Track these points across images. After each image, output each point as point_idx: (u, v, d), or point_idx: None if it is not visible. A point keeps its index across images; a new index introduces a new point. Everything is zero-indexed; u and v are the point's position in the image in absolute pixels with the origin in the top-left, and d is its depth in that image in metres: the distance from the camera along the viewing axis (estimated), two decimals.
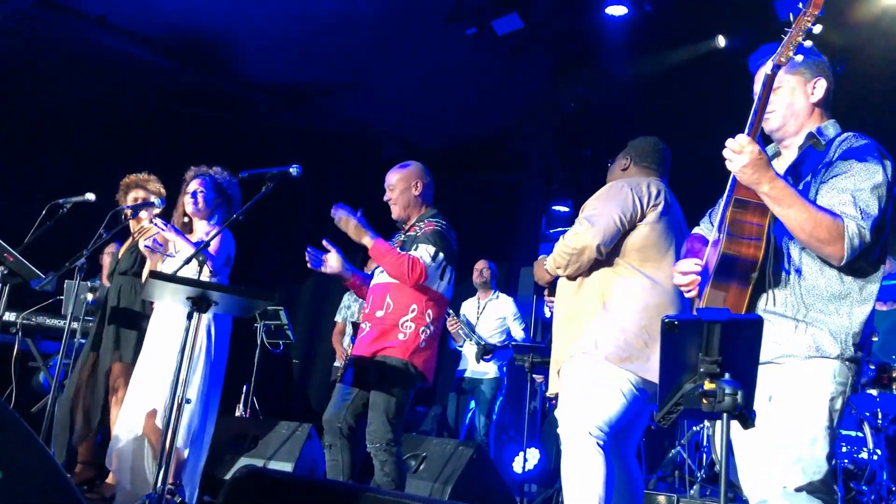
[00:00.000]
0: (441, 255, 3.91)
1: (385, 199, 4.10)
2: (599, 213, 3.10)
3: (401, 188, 4.07)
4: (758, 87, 2.37)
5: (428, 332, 3.89)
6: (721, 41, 6.95)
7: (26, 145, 6.75)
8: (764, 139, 2.35)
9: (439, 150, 9.50)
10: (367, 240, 3.83)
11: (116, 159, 6.73)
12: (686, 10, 6.83)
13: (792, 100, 2.35)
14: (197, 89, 7.79)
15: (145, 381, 4.17)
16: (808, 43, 2.06)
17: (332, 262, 3.97)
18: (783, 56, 2.06)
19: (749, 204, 2.18)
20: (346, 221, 3.84)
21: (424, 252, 3.87)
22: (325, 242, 3.92)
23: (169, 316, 4.19)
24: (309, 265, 3.95)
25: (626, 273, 3.09)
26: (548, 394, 3.27)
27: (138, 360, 4.29)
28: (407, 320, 3.87)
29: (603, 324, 3.01)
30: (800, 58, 2.09)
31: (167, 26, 6.89)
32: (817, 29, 2.03)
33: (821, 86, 2.35)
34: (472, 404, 6.79)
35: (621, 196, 3.12)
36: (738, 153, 2.11)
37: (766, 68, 2.12)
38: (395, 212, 4.08)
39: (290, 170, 3.64)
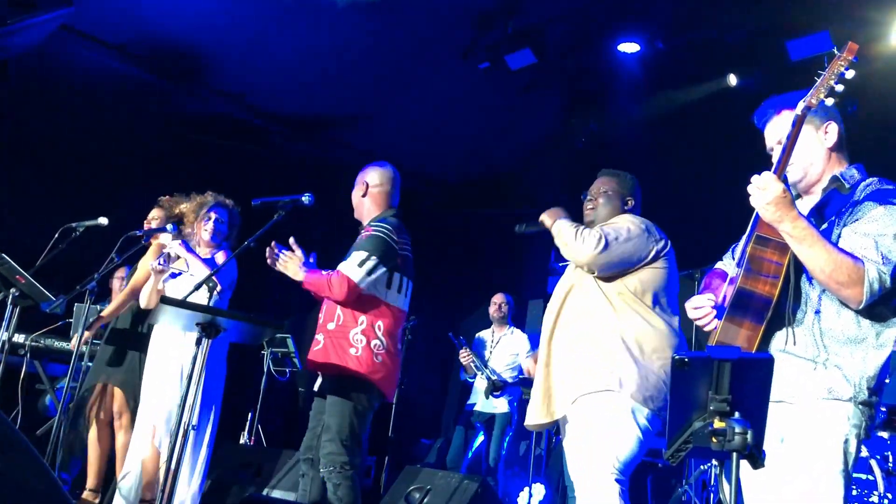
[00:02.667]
0: (373, 260, 3.71)
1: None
2: (618, 242, 3.07)
3: (359, 191, 4.02)
4: (772, 136, 2.42)
5: (380, 345, 3.72)
6: (733, 80, 6.98)
7: (41, 169, 6.81)
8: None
9: (451, 184, 9.55)
10: (300, 276, 3.74)
11: (130, 185, 6.79)
12: (698, 49, 6.88)
13: (807, 149, 2.35)
14: (212, 118, 7.87)
15: (149, 408, 4.21)
16: (840, 87, 2.10)
17: (291, 263, 3.77)
18: (814, 98, 2.10)
19: (770, 241, 2.19)
20: (289, 261, 3.74)
21: (352, 262, 3.71)
22: (291, 241, 3.80)
23: (167, 340, 4.23)
24: (269, 261, 3.81)
25: (643, 313, 3.05)
26: (533, 424, 3.11)
27: (143, 386, 4.32)
28: (357, 333, 3.72)
29: (626, 361, 2.95)
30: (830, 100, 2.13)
31: (184, 56, 6.97)
32: (850, 74, 2.07)
33: (833, 129, 2.36)
34: (481, 437, 6.76)
35: (643, 238, 3.12)
36: (763, 190, 2.12)
37: (797, 109, 2.14)
38: (357, 214, 4.06)
39: (303, 198, 3.67)
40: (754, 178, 2.15)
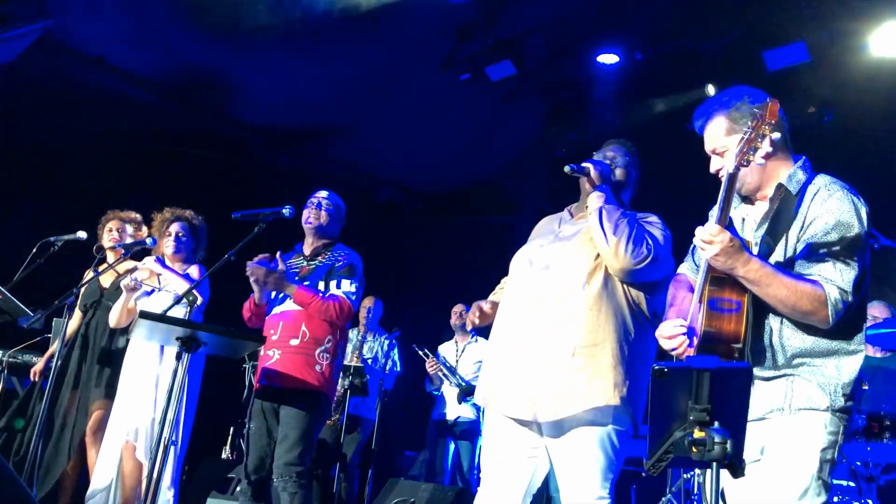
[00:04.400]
0: (360, 289, 4.03)
1: (319, 205, 4.14)
2: (659, 260, 2.82)
3: (336, 212, 4.19)
4: (708, 143, 2.41)
5: (337, 362, 3.96)
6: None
7: (19, 182, 6.75)
8: None
9: (432, 194, 9.55)
10: (290, 289, 3.88)
11: (110, 198, 6.73)
12: (676, 60, 6.94)
13: None
14: (192, 130, 7.83)
15: (121, 422, 4.19)
16: (769, 148, 2.16)
17: (272, 278, 3.89)
18: (742, 160, 2.09)
19: (725, 281, 2.19)
20: (266, 274, 3.85)
21: (349, 289, 3.94)
22: (279, 256, 3.95)
23: (142, 356, 4.21)
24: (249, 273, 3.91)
25: (650, 328, 2.86)
26: (524, 416, 2.80)
27: (116, 401, 4.30)
28: (323, 351, 3.88)
29: (633, 377, 2.77)
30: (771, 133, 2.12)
31: (164, 67, 6.95)
32: (776, 135, 2.11)
33: (765, 139, 2.29)
34: (453, 447, 6.79)
35: (670, 254, 2.92)
36: (710, 243, 2.13)
37: (729, 167, 2.12)
38: (318, 221, 4.11)
39: (283, 211, 3.68)
40: (699, 232, 2.15)
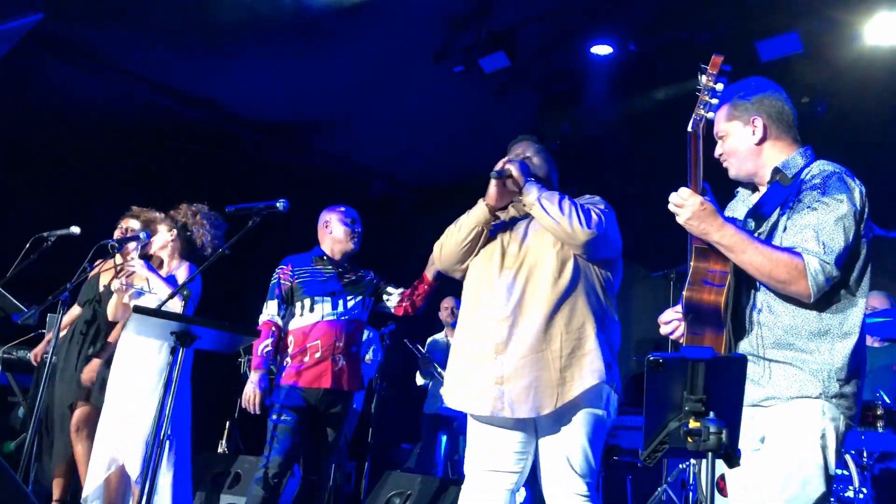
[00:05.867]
0: None
1: (356, 227, 4.41)
2: (611, 225, 2.91)
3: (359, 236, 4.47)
4: (715, 130, 2.46)
5: None
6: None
7: (14, 178, 6.73)
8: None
9: (427, 188, 9.54)
10: None
11: (104, 194, 6.72)
12: (669, 50, 6.92)
13: (737, 146, 2.39)
14: (186, 125, 7.80)
15: (114, 421, 4.15)
16: (715, 101, 2.17)
17: None
18: (696, 113, 2.15)
19: (709, 251, 2.19)
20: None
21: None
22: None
23: (132, 353, 4.19)
24: None
25: (613, 313, 2.96)
26: (526, 414, 2.79)
27: (106, 398, 4.27)
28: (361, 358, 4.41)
29: (614, 353, 2.90)
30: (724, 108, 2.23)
31: (156, 63, 6.92)
32: (720, 87, 2.16)
33: (759, 124, 2.36)
34: (444, 439, 6.82)
35: (614, 218, 3.00)
36: (681, 207, 2.14)
37: (689, 126, 2.17)
38: (356, 246, 4.39)
39: (277, 204, 3.67)
40: (672, 197, 2.17)
